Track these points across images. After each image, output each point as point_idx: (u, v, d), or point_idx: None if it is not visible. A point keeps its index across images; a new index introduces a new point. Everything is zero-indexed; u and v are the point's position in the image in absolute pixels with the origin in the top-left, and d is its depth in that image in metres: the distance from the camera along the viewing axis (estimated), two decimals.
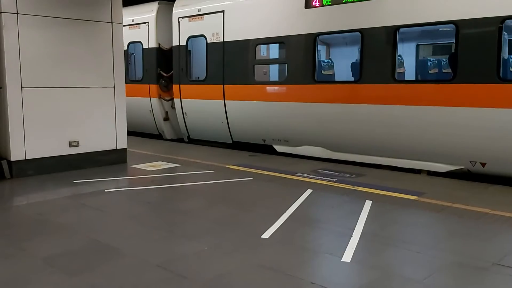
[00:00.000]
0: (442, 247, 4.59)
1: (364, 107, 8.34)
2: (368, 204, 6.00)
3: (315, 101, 9.01)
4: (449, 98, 7.33)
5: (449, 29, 8.04)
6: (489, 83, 6.96)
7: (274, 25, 9.55)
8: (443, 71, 9.30)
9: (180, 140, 12.59)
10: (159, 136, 12.92)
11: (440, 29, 8.93)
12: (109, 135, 8.77)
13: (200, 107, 11.28)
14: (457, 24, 7.21)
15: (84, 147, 8.38)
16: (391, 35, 7.85)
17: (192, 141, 12.04)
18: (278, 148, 10.01)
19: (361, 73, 8.38)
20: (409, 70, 9.82)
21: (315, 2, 8.86)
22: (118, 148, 8.90)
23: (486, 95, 6.99)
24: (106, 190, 6.83)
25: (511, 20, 6.91)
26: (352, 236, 4.81)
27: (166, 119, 12.62)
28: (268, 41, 10.00)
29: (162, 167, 8.57)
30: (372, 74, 8.20)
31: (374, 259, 4.32)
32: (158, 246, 4.62)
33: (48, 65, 7.85)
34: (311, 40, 8.95)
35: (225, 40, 10.48)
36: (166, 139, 12.69)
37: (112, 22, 8.64)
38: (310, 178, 7.57)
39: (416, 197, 6.37)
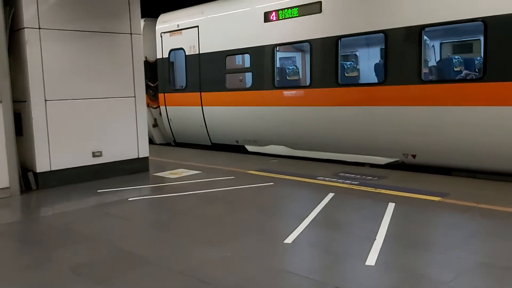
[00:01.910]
0: (468, 248, 4.52)
1: (314, 109, 9.36)
2: (391, 206, 5.93)
3: (276, 104, 10.06)
4: (381, 99, 8.29)
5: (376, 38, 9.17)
6: (412, 85, 7.88)
7: (240, 38, 10.66)
8: (376, 75, 10.06)
9: (168, 144, 13.70)
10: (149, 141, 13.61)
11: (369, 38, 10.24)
12: (131, 144, 8.89)
13: (182, 113, 12.51)
14: (385, 32, 8.18)
15: (107, 157, 8.51)
16: (333, 44, 8.86)
17: (178, 144, 13.27)
18: (249, 148, 11.08)
19: (311, 78, 9.43)
20: (354, 74, 10.74)
21: (272, 16, 9.89)
22: (140, 157, 9.01)
23: (411, 96, 7.89)
24: (129, 199, 6.92)
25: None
26: (375, 239, 4.77)
27: (155, 125, 13.72)
28: (235, 52, 11.00)
29: (184, 174, 8.64)
30: (319, 79, 9.30)
31: (398, 262, 4.27)
32: (181, 253, 4.66)
33: (70, 77, 8.01)
34: (270, 50, 10.00)
35: (200, 52, 11.70)
36: (156, 144, 13.68)
37: (131, 33, 8.78)
38: (332, 181, 7.53)
39: (440, 198, 6.28)
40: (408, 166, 8.42)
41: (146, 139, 9.14)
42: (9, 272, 4.33)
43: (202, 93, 11.71)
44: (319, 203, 6.19)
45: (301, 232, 5.06)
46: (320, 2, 9.00)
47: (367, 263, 4.19)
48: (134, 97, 8.88)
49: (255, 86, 10.49)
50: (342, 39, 8.82)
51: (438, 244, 4.66)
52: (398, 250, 4.53)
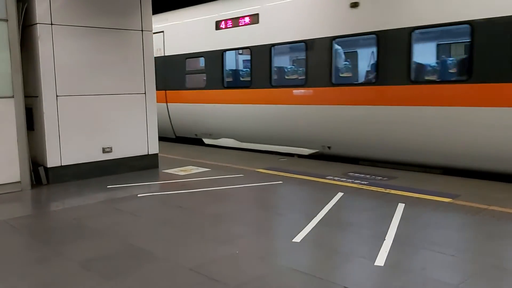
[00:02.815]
0: (478, 250, 4.48)
1: (254, 106, 10.79)
2: (400, 207, 5.91)
3: (225, 102, 11.46)
4: (303, 99, 9.82)
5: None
6: (325, 87, 9.40)
7: (196, 43, 12.08)
8: (299, 78, 11.11)
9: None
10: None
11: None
12: (141, 140, 8.93)
13: None
14: (306, 42, 9.57)
15: (117, 153, 8.56)
16: (267, 51, 10.35)
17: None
18: (206, 140, 12.54)
19: (251, 80, 10.85)
20: (285, 77, 11.99)
21: (222, 25, 11.32)
22: (149, 153, 9.05)
23: (324, 96, 9.39)
24: (139, 195, 6.95)
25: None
26: (385, 239, 4.75)
27: None
28: (193, 55, 12.33)
29: (193, 171, 8.66)
30: (258, 81, 10.68)
31: (407, 263, 4.25)
32: (190, 250, 4.67)
33: (82, 73, 8.06)
34: (220, 55, 11.40)
35: (165, 55, 13.18)
36: None
37: (142, 30, 8.81)
38: (341, 181, 7.51)
39: (451, 199, 6.24)
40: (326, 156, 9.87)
41: (156, 136, 9.17)
42: (19, 267, 4.36)
43: (167, 91, 13.16)
44: (328, 203, 6.17)
45: (309, 231, 5.06)
46: (258, 14, 10.49)
47: (376, 263, 4.17)
48: (145, 93, 8.91)
49: (209, 86, 11.89)
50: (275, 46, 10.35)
51: (448, 246, 4.62)
52: (408, 251, 4.51)
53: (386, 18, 8.35)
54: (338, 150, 9.55)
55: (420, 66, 8.66)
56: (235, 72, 12.77)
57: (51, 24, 7.68)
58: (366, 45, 10.00)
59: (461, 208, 5.85)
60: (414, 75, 8.22)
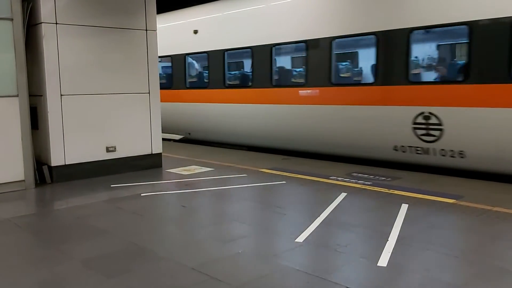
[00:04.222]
0: (482, 251, 4.46)
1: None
2: (404, 207, 5.88)
3: (187, 101, 13.08)
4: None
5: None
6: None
7: (165, 47, 12.77)
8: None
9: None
10: None
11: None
12: (145, 140, 8.94)
13: None
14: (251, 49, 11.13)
15: (121, 152, 8.57)
16: (221, 56, 11.65)
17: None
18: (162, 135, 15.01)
19: (209, 81, 12.32)
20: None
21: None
22: (153, 153, 9.06)
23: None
24: (142, 194, 6.96)
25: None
26: (388, 240, 4.73)
27: None
28: (164, 58, 13.40)
29: (196, 171, 8.66)
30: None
31: (411, 263, 4.23)
32: (193, 249, 4.67)
33: (86, 73, 8.08)
34: (182, 58, 12.96)
35: None
36: None
37: (146, 30, 8.82)
38: (344, 181, 7.49)
39: (455, 200, 6.21)
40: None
41: (159, 135, 9.18)
42: (22, 265, 4.38)
43: None
44: (331, 203, 6.16)
45: (312, 231, 5.04)
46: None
47: (379, 264, 4.15)
48: (149, 93, 8.92)
49: (175, 86, 13.25)
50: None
51: (452, 247, 4.60)
52: (411, 251, 4.49)
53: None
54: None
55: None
56: (194, 74, 14.22)
57: (56, 23, 7.70)
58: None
59: (465, 209, 5.82)
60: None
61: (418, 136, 8.16)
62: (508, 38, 6.99)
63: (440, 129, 7.84)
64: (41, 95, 7.80)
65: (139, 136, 8.86)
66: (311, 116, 9.75)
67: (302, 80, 10.20)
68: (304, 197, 6.87)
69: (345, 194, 6.65)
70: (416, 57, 9.00)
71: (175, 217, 5.97)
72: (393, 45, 8.38)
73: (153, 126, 9.03)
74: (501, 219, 5.40)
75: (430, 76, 8.89)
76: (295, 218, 5.72)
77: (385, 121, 8.51)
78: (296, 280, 3.93)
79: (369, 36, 8.73)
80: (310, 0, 9.81)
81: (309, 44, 9.69)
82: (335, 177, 7.78)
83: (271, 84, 10.56)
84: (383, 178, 7.68)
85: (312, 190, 7.13)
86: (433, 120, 7.91)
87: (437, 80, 8.54)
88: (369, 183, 7.33)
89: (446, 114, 7.71)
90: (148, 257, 4.46)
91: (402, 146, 8.39)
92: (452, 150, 7.78)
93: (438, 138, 7.89)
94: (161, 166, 9.11)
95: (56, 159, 7.84)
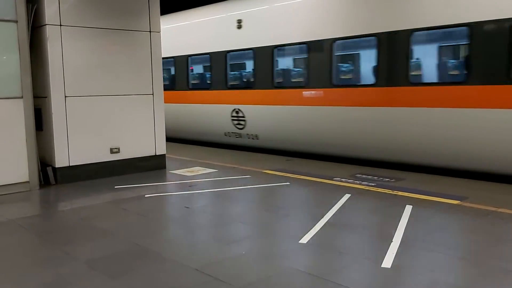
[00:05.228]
0: (487, 253, 4.44)
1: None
2: (408, 209, 5.87)
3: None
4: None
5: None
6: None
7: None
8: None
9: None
10: None
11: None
12: (149, 141, 8.96)
13: None
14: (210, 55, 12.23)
15: (125, 154, 8.59)
16: (185, 60, 12.71)
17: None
18: None
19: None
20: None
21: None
22: (157, 154, 9.07)
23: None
24: (146, 195, 6.97)
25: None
26: (392, 241, 4.71)
27: None
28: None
29: (200, 172, 8.67)
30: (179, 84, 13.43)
31: (415, 265, 4.22)
32: (197, 250, 4.67)
33: (90, 74, 8.10)
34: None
35: None
36: None
37: (150, 31, 8.84)
38: (348, 182, 7.48)
39: (459, 201, 6.19)
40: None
41: (163, 137, 9.19)
42: (27, 265, 4.39)
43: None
44: (335, 204, 6.15)
45: (316, 233, 5.04)
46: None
47: (383, 265, 4.14)
48: (152, 94, 8.94)
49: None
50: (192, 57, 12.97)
51: (457, 248, 4.59)
52: (415, 253, 4.47)
53: None
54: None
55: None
56: (167, 77, 14.54)
57: (60, 25, 7.73)
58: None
59: (469, 210, 5.80)
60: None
61: (234, 125, 11.43)
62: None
63: (245, 120, 11.09)
64: (46, 97, 7.83)
65: (143, 137, 8.88)
66: None
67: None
68: (308, 198, 6.87)
69: (349, 195, 6.64)
70: (232, 70, 12.13)
71: (179, 218, 5.98)
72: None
73: (157, 127, 9.04)
74: (505, 220, 5.37)
75: (241, 84, 11.79)
76: (299, 219, 5.72)
77: (217, 115, 11.78)
78: (300, 281, 3.92)
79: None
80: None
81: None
82: (339, 178, 7.77)
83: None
84: (387, 179, 7.67)
85: (316, 191, 7.12)
86: (240, 114, 11.17)
87: (242, 86, 11.66)
88: (373, 184, 7.31)
89: (247, 109, 11.02)
90: (151, 258, 4.46)
91: (228, 132, 11.69)
92: (252, 134, 11.09)
93: (244, 126, 11.18)
94: (165, 167, 9.12)
95: (60, 160, 7.87)
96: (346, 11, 9.16)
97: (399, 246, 4.59)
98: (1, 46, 7.27)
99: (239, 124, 11.28)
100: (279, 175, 8.24)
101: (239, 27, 11.07)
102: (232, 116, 11.37)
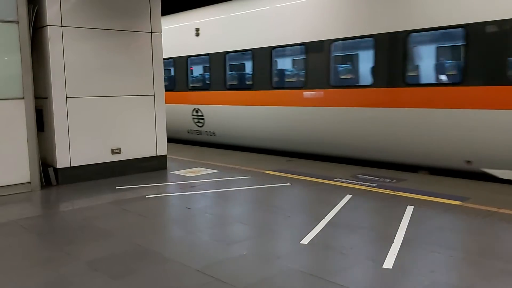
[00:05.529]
0: (488, 254, 4.43)
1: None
2: (409, 209, 5.86)
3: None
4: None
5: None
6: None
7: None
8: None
9: None
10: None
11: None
12: (150, 142, 8.96)
13: None
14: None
15: (126, 154, 8.59)
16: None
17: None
18: None
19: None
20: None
21: None
22: (158, 154, 9.07)
23: None
24: (147, 196, 6.97)
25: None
26: (393, 242, 4.71)
27: None
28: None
29: (201, 173, 8.67)
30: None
31: (416, 266, 4.21)
32: (198, 251, 4.67)
33: (91, 75, 8.11)
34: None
35: None
36: None
37: (151, 32, 8.85)
38: (350, 183, 7.47)
39: (460, 202, 6.18)
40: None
41: (164, 137, 9.19)
42: (28, 266, 4.39)
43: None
44: (336, 205, 6.15)
45: (317, 233, 5.03)
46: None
47: (384, 266, 4.14)
48: (154, 95, 8.94)
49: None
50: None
51: (458, 249, 4.58)
52: (416, 253, 4.47)
53: None
54: None
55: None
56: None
57: (61, 26, 7.74)
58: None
59: (470, 211, 5.79)
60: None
61: (195, 123, 12.62)
62: None
63: (203, 119, 12.29)
64: (47, 97, 7.83)
65: (144, 138, 8.89)
66: None
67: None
68: (309, 199, 6.86)
69: (350, 196, 6.64)
70: (191, 73, 13.55)
71: (180, 219, 5.98)
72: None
73: (158, 128, 9.05)
74: (507, 221, 5.37)
75: (201, 86, 13.11)
76: (300, 220, 5.72)
77: (181, 114, 12.80)
78: (300, 282, 3.92)
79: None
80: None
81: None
82: (340, 179, 7.77)
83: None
84: (388, 180, 7.66)
85: (317, 192, 7.12)
86: (200, 113, 12.35)
87: (201, 88, 12.95)
88: (374, 185, 7.31)
89: (205, 109, 12.22)
90: (153, 258, 4.46)
91: (190, 129, 12.86)
92: (210, 131, 12.26)
93: (204, 124, 12.35)
94: (166, 168, 9.13)
95: (62, 161, 7.87)
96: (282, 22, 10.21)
97: (400, 246, 4.58)
98: (2, 47, 7.29)
99: (199, 122, 12.52)
100: (280, 175, 8.24)
101: (197, 34, 12.30)
102: (193, 115, 12.61)
